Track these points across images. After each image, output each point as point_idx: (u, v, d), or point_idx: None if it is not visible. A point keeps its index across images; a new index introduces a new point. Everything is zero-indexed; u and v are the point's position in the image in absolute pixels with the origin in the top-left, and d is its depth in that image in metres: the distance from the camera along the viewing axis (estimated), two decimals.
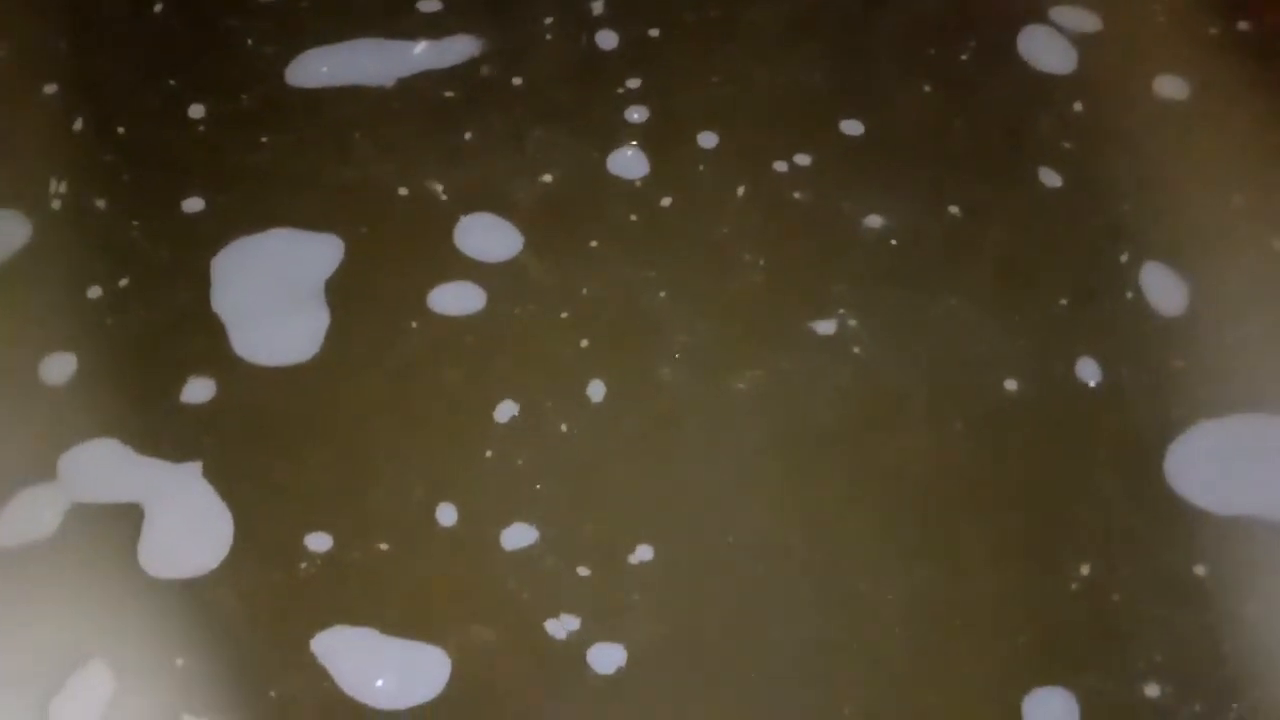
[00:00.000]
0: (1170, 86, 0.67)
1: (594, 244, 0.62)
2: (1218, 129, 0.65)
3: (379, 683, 0.50)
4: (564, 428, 0.56)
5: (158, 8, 0.70)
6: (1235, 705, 0.51)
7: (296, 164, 0.65)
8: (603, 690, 0.50)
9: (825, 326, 0.60)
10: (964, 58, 0.69)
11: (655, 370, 0.59)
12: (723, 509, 0.55)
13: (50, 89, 0.67)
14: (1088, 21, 0.69)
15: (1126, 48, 0.68)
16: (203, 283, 0.60)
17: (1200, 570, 0.54)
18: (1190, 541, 0.54)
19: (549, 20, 0.69)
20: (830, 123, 0.66)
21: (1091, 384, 0.58)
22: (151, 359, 0.59)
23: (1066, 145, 0.66)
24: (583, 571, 0.53)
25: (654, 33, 0.69)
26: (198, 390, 0.58)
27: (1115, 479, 0.56)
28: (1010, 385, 0.58)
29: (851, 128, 0.65)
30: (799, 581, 0.54)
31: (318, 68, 0.68)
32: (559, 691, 0.50)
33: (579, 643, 0.51)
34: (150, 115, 0.66)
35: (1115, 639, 0.53)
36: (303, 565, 0.54)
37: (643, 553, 0.53)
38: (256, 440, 0.57)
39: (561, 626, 0.51)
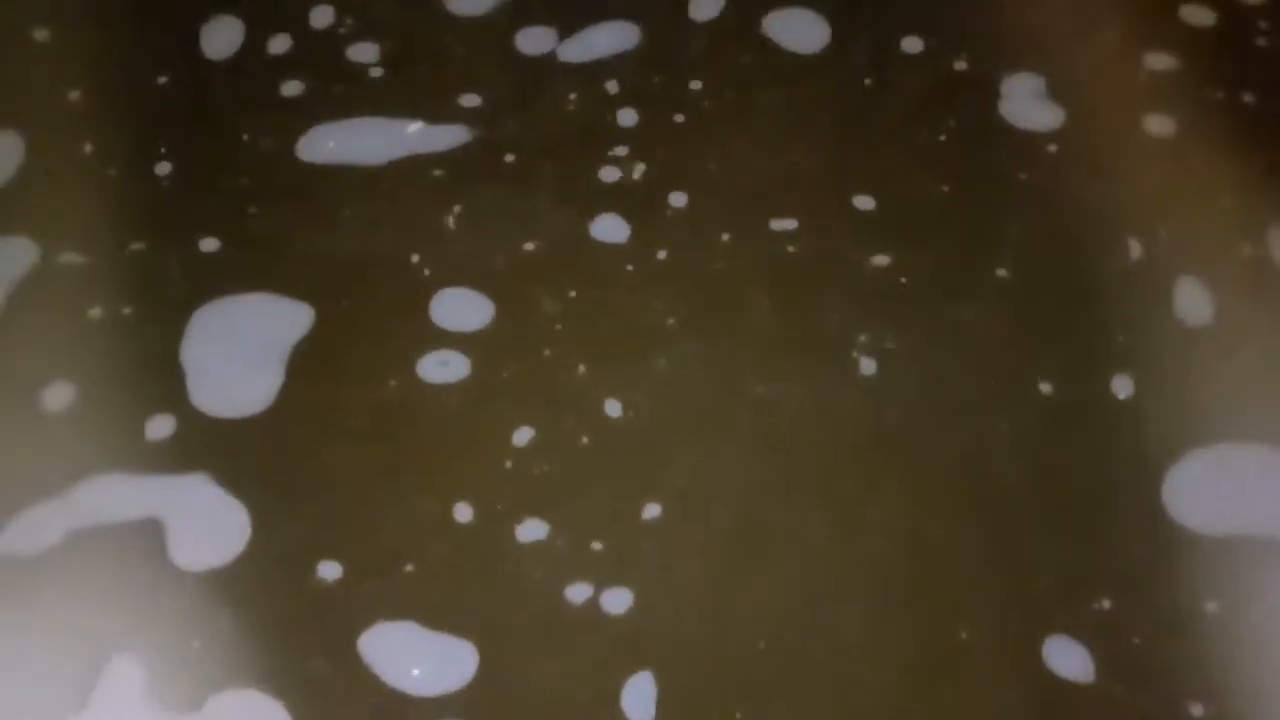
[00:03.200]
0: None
1: (573, 294, 0.67)
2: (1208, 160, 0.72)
3: (415, 672, 0.56)
4: (585, 440, 0.62)
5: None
6: None
7: (292, 234, 0.71)
8: (618, 629, 0.57)
9: (846, 340, 0.65)
10: (957, 130, 0.74)
11: (671, 379, 0.64)
12: (744, 481, 0.61)
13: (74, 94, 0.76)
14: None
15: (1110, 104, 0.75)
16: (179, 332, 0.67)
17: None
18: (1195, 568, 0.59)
19: (572, 96, 0.75)
20: (839, 196, 0.71)
21: (1122, 396, 0.64)
22: (125, 394, 0.65)
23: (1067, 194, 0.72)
24: (596, 546, 0.59)
25: (678, 117, 0.74)
26: (159, 428, 0.63)
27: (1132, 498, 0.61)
28: (1045, 389, 0.63)
29: (863, 202, 0.71)
30: (813, 543, 0.60)
31: (325, 143, 0.74)
32: (577, 643, 0.57)
33: (594, 599, 0.58)
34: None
35: None
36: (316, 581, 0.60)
37: (651, 510, 0.60)
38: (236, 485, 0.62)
39: (578, 593, 0.58)
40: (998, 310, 0.67)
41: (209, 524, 0.60)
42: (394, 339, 0.66)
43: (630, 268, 0.68)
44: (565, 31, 0.77)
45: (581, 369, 0.64)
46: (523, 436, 0.62)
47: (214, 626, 0.57)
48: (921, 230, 0.70)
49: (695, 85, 0.75)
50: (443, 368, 0.65)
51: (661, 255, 0.68)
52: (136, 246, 0.69)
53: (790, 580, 0.58)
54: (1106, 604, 0.57)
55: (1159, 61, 0.76)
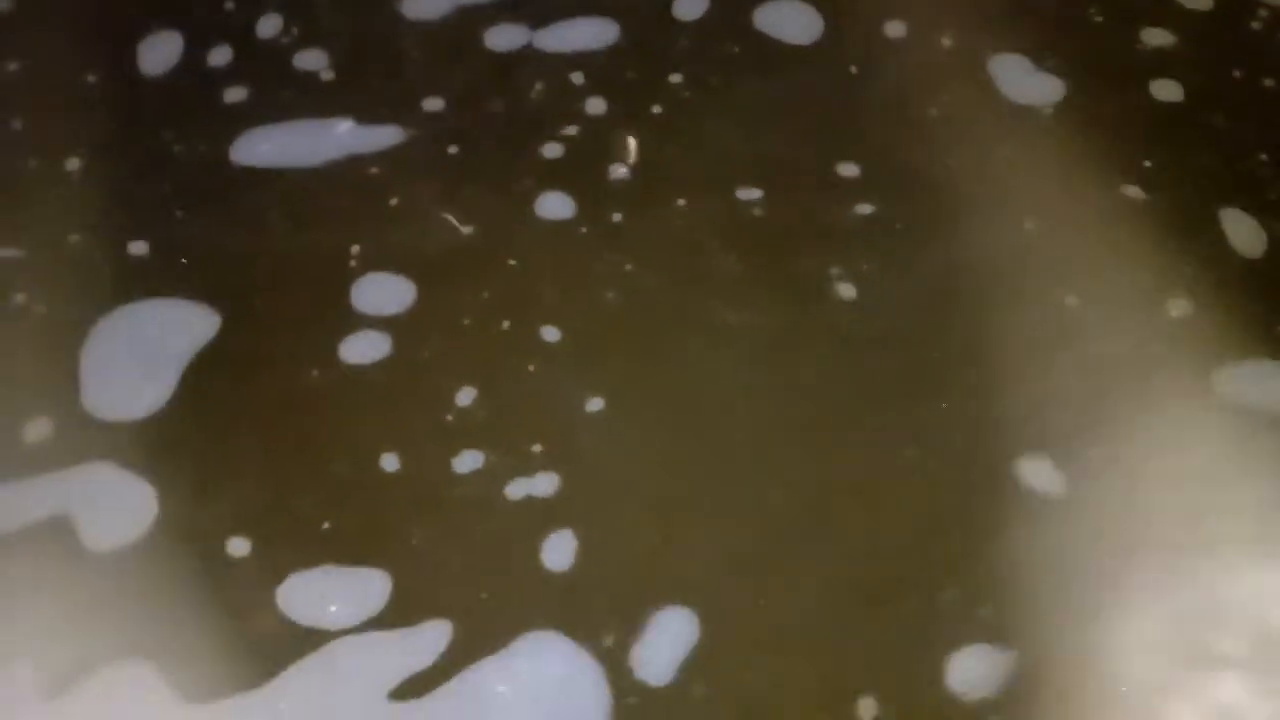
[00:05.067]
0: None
1: (512, 263, 0.65)
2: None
3: (331, 609, 0.54)
4: (531, 368, 0.61)
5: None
6: None
7: (219, 236, 0.67)
8: (543, 507, 0.57)
9: (821, 273, 0.63)
10: (950, 104, 0.71)
11: (622, 307, 0.62)
12: (702, 382, 0.60)
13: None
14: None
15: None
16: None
17: None
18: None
19: (538, 86, 0.73)
20: (819, 168, 0.68)
21: (1174, 314, 0.62)
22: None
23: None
24: (535, 448, 0.58)
25: (655, 108, 0.71)
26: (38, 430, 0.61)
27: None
28: (1072, 301, 0.63)
29: (847, 169, 0.68)
30: (763, 413, 0.59)
31: (258, 146, 0.71)
32: (499, 527, 0.56)
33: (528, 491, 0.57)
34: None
35: None
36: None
37: (595, 404, 0.59)
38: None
39: (519, 489, 0.57)
40: (1015, 246, 0.64)
41: (115, 505, 0.58)
42: (315, 330, 0.63)
43: (584, 230, 0.65)
44: (536, 26, 0.74)
45: (505, 324, 0.62)
46: (466, 396, 0.59)
47: (126, 602, 0.55)
48: (916, 187, 0.66)
49: (675, 78, 0.72)
50: (367, 348, 0.62)
51: (617, 218, 0.66)
52: (70, 241, 0.66)
53: (738, 440, 0.58)
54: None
55: (1157, 37, 0.73)
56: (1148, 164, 0.67)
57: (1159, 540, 0.55)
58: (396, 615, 0.54)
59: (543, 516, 0.56)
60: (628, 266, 0.63)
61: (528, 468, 0.57)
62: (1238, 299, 0.62)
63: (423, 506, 0.57)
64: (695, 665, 0.53)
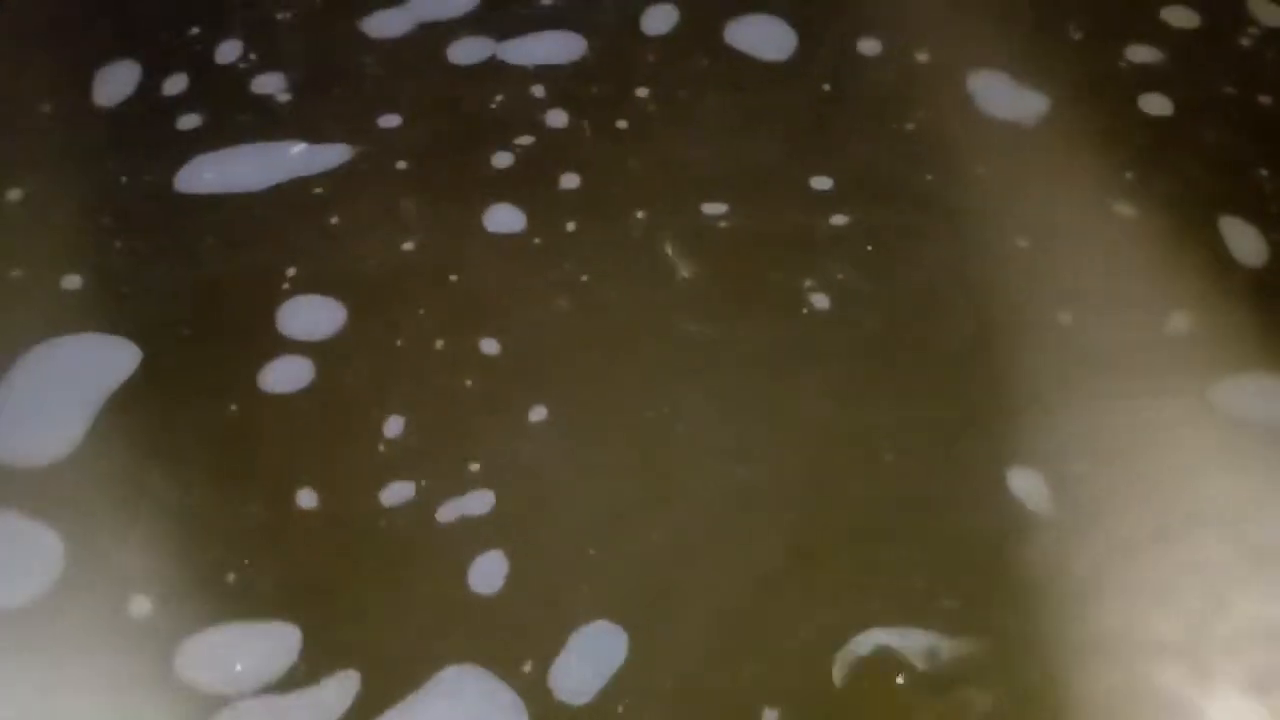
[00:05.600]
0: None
1: (454, 278, 0.62)
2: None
3: (237, 668, 0.52)
4: (469, 383, 0.59)
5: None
6: None
7: (153, 267, 0.65)
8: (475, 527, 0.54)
9: (793, 284, 0.61)
10: (928, 120, 0.69)
11: (572, 317, 0.60)
12: (658, 394, 0.58)
13: None
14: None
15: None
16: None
17: None
18: None
19: (499, 97, 0.70)
20: (791, 182, 0.66)
21: (1168, 330, 0.60)
22: None
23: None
24: (472, 467, 0.56)
25: (620, 123, 0.69)
26: None
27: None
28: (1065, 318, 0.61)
29: (821, 183, 0.66)
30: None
31: (202, 174, 0.68)
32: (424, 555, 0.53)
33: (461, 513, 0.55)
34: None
35: None
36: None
37: (538, 413, 0.57)
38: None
39: (451, 511, 0.55)
40: (1004, 259, 0.62)
41: (21, 557, 0.55)
42: (237, 360, 0.60)
43: (537, 241, 0.63)
44: (501, 39, 0.72)
45: (440, 343, 0.59)
46: (396, 422, 0.57)
47: (35, 662, 0.52)
48: (894, 199, 0.64)
49: (642, 92, 0.70)
50: (289, 376, 0.59)
51: (570, 227, 0.63)
52: (10, 275, 0.63)
53: (693, 448, 0.55)
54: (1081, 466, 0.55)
55: (1142, 54, 0.71)
56: (1137, 177, 0.65)
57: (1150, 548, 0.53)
58: (304, 672, 0.51)
59: (474, 538, 0.54)
60: (583, 277, 0.61)
61: (461, 488, 0.55)
62: (1240, 309, 0.60)
63: (343, 546, 0.54)
64: (620, 682, 0.50)
